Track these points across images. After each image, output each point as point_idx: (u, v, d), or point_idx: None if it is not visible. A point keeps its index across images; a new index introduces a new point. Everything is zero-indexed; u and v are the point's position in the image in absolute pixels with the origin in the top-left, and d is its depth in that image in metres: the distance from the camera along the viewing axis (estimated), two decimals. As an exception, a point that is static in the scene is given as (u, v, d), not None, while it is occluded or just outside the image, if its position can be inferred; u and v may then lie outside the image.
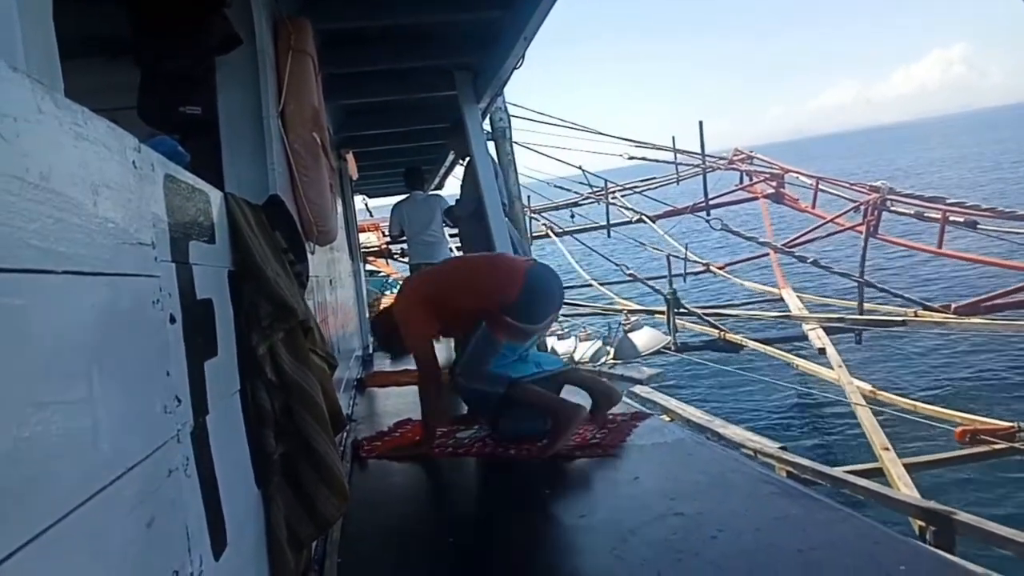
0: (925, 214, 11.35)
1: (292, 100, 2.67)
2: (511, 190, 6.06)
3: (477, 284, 3.21)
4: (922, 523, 4.15)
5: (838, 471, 4.93)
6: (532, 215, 16.47)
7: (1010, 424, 5.61)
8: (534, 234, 16.10)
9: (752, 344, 9.10)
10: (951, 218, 10.69)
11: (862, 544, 2.04)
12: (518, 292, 3.03)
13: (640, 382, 6.52)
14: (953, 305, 8.84)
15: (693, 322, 9.74)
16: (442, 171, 9.75)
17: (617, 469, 2.77)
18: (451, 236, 14.43)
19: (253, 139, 2.52)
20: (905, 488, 4.82)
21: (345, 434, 3.30)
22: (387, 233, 7.92)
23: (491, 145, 6.01)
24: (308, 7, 3.38)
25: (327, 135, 3.23)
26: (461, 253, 6.04)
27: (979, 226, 10.57)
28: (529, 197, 16.75)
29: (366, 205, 15.34)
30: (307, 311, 1.74)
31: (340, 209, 5.66)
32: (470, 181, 5.32)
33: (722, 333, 9.32)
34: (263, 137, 2.52)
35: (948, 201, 10.75)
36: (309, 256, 2.39)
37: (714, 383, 10.58)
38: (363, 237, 13.25)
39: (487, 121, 6.14)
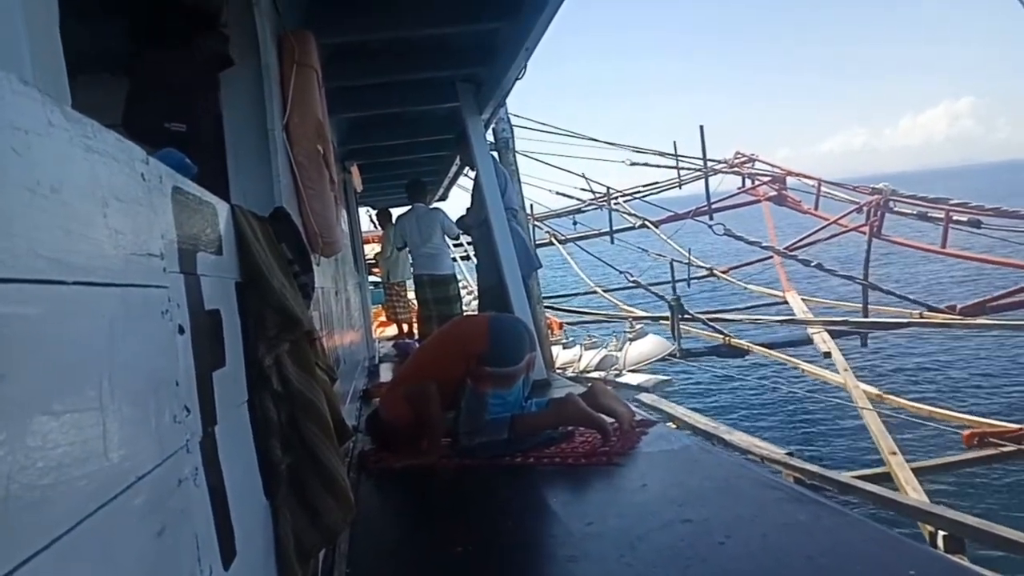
0: (928, 214, 11.35)
1: (296, 113, 2.69)
2: (516, 199, 6.11)
3: (449, 350, 3.36)
4: (931, 528, 4.13)
5: (845, 476, 4.92)
6: (535, 223, 16.51)
7: (1018, 426, 5.58)
8: (537, 242, 16.15)
9: (757, 349, 9.08)
10: (955, 217, 10.69)
11: (871, 549, 2.03)
12: (487, 341, 3.19)
13: (646, 390, 6.50)
14: (958, 306, 8.83)
15: (698, 328, 9.73)
16: (446, 182, 9.79)
17: (625, 477, 2.77)
18: (455, 246, 14.46)
19: (258, 152, 2.54)
20: (913, 492, 4.79)
21: (351, 445, 3.30)
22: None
23: (495, 155, 6.06)
24: (312, 21, 3.41)
25: (331, 148, 3.25)
26: (475, 261, 6.11)
27: (983, 225, 10.58)
28: (532, 205, 16.81)
29: (371, 217, 15.41)
30: (312, 322, 1.74)
31: (345, 221, 5.68)
32: (479, 190, 5.36)
33: (727, 338, 9.29)
34: (268, 150, 2.54)
35: (951, 201, 10.74)
36: (314, 267, 2.40)
37: (720, 389, 10.55)
38: (368, 249, 13.29)
39: (490, 132, 6.19)
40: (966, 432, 5.70)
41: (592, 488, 2.76)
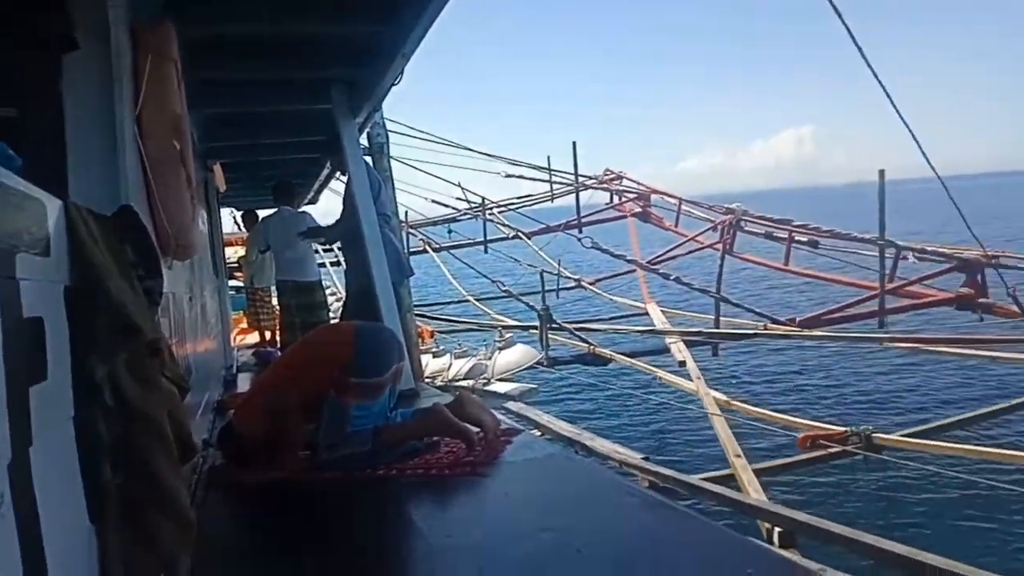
0: (774, 234, 12.36)
1: (150, 105, 2.51)
2: (389, 206, 6.05)
3: (312, 359, 3.25)
4: (768, 525, 4.47)
5: (695, 479, 5.23)
6: (410, 230, 16.38)
7: (843, 429, 6.17)
8: (411, 249, 16.02)
9: (619, 358, 9.49)
10: (796, 238, 11.70)
11: (714, 550, 2.16)
12: (352, 351, 3.12)
13: (513, 398, 6.61)
14: (798, 319, 9.64)
15: (565, 337, 10.02)
16: (316, 185, 9.51)
17: (488, 487, 2.79)
18: (326, 251, 14.02)
19: (104, 145, 2.34)
20: (754, 493, 5.17)
21: (200, 461, 3.11)
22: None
23: (369, 160, 5.97)
24: (171, 9, 3.20)
25: (190, 144, 3.06)
26: (344, 266, 5.98)
27: (820, 245, 11.65)
28: (407, 212, 16.66)
29: (235, 218, 14.65)
30: (157, 330, 1.63)
31: (204, 221, 5.37)
32: (351, 195, 5.24)
33: (592, 348, 9.64)
34: (115, 143, 2.34)
35: (794, 223, 11.74)
36: (165, 271, 2.24)
37: (584, 397, 10.90)
38: (232, 252, 12.61)
39: (364, 136, 6.09)
40: (801, 435, 6.22)
41: (455, 499, 2.76)
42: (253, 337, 8.84)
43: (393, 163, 6.95)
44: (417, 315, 10.44)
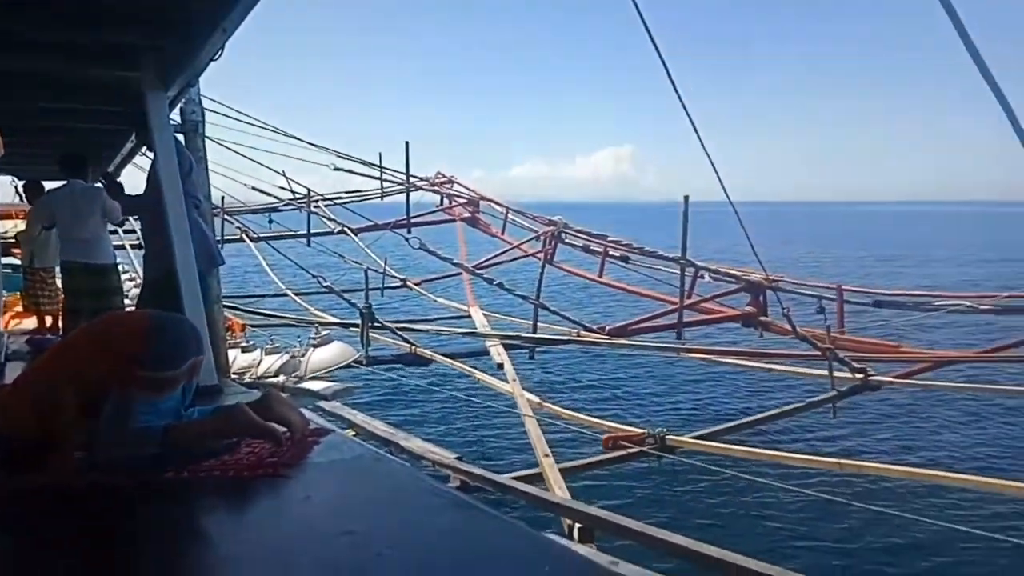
0: (591, 247, 13.10)
1: None
2: (202, 189, 5.67)
3: (96, 348, 2.90)
4: (570, 521, 4.71)
5: (505, 478, 5.39)
6: (226, 217, 15.40)
7: (641, 431, 6.66)
8: (227, 237, 15.05)
9: (440, 359, 9.55)
10: (610, 252, 12.49)
11: (515, 548, 2.23)
12: (144, 341, 2.85)
13: (327, 397, 6.41)
14: (607, 327, 10.27)
15: (387, 336, 9.91)
16: (118, 159, 8.64)
17: (289, 489, 2.67)
18: (126, 232, 12.77)
19: None
20: (559, 490, 5.43)
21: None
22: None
23: (181, 138, 5.56)
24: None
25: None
26: (143, 249, 5.48)
27: (631, 261, 12.53)
28: (223, 198, 15.63)
29: (16, 188, 12.94)
30: None
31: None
32: (156, 173, 4.81)
33: (413, 348, 9.62)
34: None
35: (609, 238, 12.52)
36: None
37: (404, 397, 10.85)
38: (9, 225, 11.15)
39: (177, 112, 5.64)
40: (605, 436, 6.62)
41: (253, 504, 2.61)
42: (30, 322, 7.84)
43: (210, 144, 6.52)
44: (228, 307, 9.83)
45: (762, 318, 10.51)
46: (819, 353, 7.20)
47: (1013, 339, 8.59)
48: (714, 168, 4.98)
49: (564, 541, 4.45)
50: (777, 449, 7.31)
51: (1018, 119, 2.06)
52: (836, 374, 7.12)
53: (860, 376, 7.28)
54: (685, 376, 12.25)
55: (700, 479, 7.58)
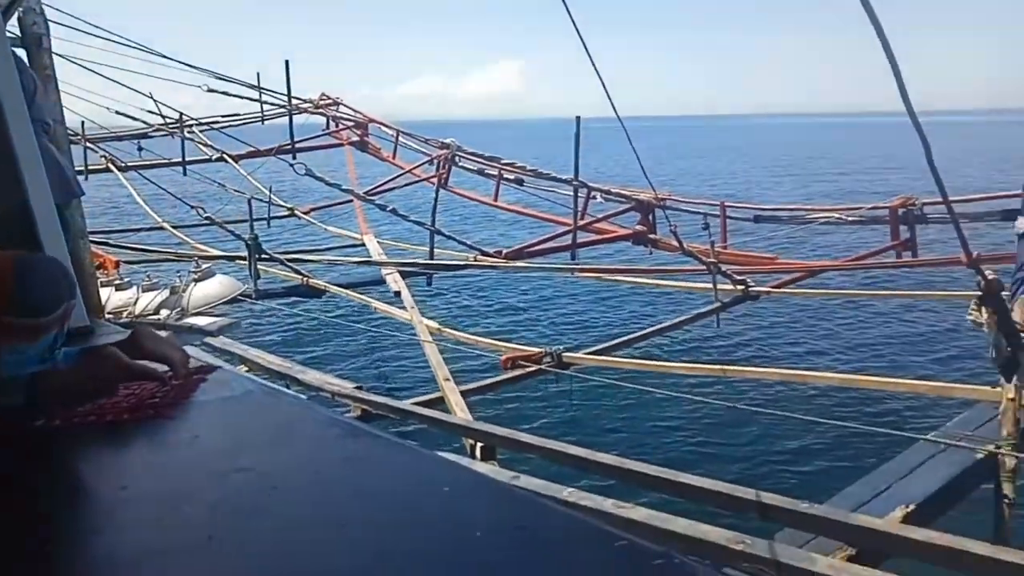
0: (485, 170, 13.00)
1: None
2: (51, 112, 5.11)
3: None
4: (472, 441, 4.80)
5: (406, 403, 5.39)
6: (88, 145, 14.13)
7: (539, 349, 6.81)
8: (91, 167, 13.85)
9: (334, 289, 9.32)
10: (505, 175, 12.45)
11: (414, 471, 2.22)
12: (10, 286, 2.56)
13: (211, 333, 6.13)
14: (504, 251, 10.32)
15: (277, 268, 9.55)
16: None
17: (175, 431, 2.52)
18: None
19: None
20: (461, 412, 5.50)
21: None
22: None
23: (23, 54, 4.95)
24: None
25: None
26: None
27: (525, 184, 12.55)
28: (83, 123, 14.28)
29: None
30: None
31: None
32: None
33: (305, 279, 9.32)
34: None
35: (503, 160, 12.43)
36: None
37: (298, 329, 10.58)
38: None
39: (16, 23, 5.00)
40: (503, 357, 6.73)
41: (133, 448, 2.46)
42: None
43: (64, 64, 5.85)
44: (97, 243, 9.11)
45: (651, 236, 10.87)
46: (704, 268, 7.52)
47: (875, 247, 9.33)
48: (604, 86, 4.95)
49: (466, 460, 4.54)
50: (667, 361, 7.70)
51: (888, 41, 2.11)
52: (719, 287, 7.48)
53: (741, 288, 7.69)
54: (580, 296, 12.60)
55: (596, 393, 7.90)
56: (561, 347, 6.83)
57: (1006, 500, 4.06)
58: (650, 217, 11.06)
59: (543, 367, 6.66)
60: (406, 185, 13.53)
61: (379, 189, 13.25)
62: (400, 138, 14.81)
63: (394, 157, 14.99)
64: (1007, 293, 4.28)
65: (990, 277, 4.05)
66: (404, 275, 9.42)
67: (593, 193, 11.36)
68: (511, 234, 16.08)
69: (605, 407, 7.83)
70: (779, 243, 13.06)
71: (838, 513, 3.46)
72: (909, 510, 3.78)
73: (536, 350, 6.86)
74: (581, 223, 10.99)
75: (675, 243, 8.36)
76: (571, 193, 10.75)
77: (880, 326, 10.83)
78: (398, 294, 8.81)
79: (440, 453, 3.46)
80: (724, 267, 7.75)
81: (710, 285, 7.51)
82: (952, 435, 4.38)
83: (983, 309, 4.08)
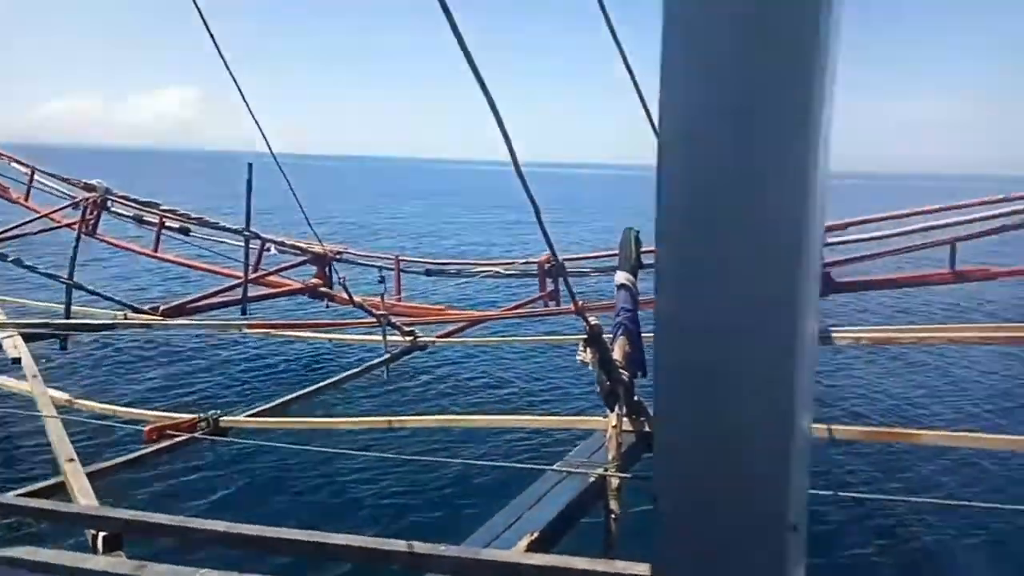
0: (144, 218, 11.76)
1: None
2: None
3: None
4: (94, 531, 4.19)
5: (9, 496, 4.52)
6: None
7: (193, 416, 6.24)
8: None
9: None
10: (167, 223, 11.39)
11: None
12: None
13: None
14: (161, 306, 9.37)
15: None
16: None
17: None
18: None
19: None
20: (84, 499, 4.77)
21: None
22: None
23: None
24: None
25: None
26: None
27: (191, 233, 11.61)
28: None
29: None
30: None
31: None
32: None
33: None
34: None
35: (163, 207, 11.39)
36: None
37: None
38: None
39: None
40: (147, 427, 6.02)
41: None
42: None
43: None
44: None
45: (324, 289, 10.80)
46: (375, 320, 7.66)
47: (527, 297, 10.42)
48: (257, 124, 4.82)
49: (81, 556, 3.94)
50: (334, 416, 7.61)
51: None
52: (389, 338, 7.66)
53: (410, 339, 7.97)
54: (249, 353, 11.93)
55: (255, 458, 7.47)
56: (219, 411, 6.34)
57: (612, 515, 4.70)
58: (327, 270, 10.99)
59: (197, 435, 6.11)
60: (43, 232, 11.70)
61: (5, 235, 11.25)
62: (36, 177, 12.80)
63: (27, 199, 12.88)
64: (608, 335, 5.03)
65: (593, 322, 4.72)
66: (29, 338, 8.01)
67: (267, 244, 10.95)
68: (175, 288, 14.73)
69: (265, 472, 7.43)
70: (451, 295, 13.91)
71: (469, 551, 3.68)
72: (534, 537, 4.17)
73: (189, 417, 6.27)
74: (254, 275, 10.49)
75: (346, 296, 8.41)
76: (242, 244, 10.21)
77: (530, 370, 12.02)
78: (18, 361, 7.45)
79: (50, 550, 2.99)
80: (395, 319, 7.98)
81: (380, 337, 7.65)
82: (572, 463, 4.97)
83: (588, 350, 4.73)
